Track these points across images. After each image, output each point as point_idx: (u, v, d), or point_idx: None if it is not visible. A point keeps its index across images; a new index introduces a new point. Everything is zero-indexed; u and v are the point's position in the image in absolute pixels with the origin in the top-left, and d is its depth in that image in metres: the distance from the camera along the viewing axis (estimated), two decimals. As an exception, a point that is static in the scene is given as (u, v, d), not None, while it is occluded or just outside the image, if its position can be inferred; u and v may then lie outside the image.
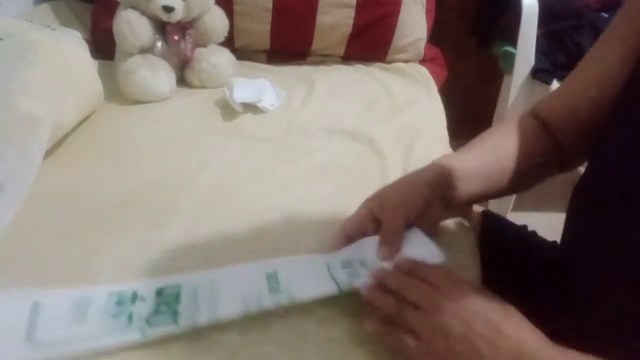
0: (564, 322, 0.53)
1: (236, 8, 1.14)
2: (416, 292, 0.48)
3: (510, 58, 1.35)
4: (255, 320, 0.53)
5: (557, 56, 1.32)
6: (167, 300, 0.55)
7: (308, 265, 0.58)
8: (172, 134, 0.89)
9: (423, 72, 1.22)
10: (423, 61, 1.28)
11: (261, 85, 1.00)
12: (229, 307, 0.53)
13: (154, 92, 0.98)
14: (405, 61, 1.26)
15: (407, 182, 0.60)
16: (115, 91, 0.97)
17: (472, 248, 0.66)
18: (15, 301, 0.53)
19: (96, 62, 0.94)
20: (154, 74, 0.96)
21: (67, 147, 0.82)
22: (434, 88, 1.15)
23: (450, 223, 0.69)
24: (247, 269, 0.59)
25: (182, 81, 1.06)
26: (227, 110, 0.96)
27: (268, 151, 0.85)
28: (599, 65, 0.59)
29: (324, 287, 0.54)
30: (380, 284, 0.51)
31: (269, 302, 0.53)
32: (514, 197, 1.48)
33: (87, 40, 0.94)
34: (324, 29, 1.18)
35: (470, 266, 0.63)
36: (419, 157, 0.85)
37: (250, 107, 0.97)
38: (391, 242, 0.56)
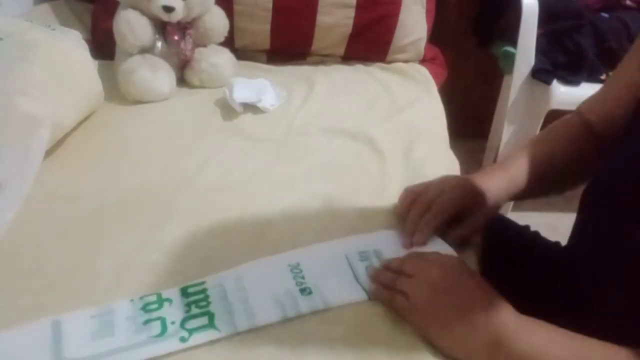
0: (565, 322, 0.53)
1: (236, 8, 1.14)
2: (411, 265, 0.54)
3: (510, 58, 1.35)
4: (256, 320, 0.53)
5: (557, 56, 1.32)
6: (196, 301, 0.54)
7: (328, 257, 0.60)
8: (172, 134, 0.89)
9: (423, 72, 1.22)
10: (423, 61, 1.28)
11: (261, 85, 1.00)
12: (267, 313, 0.53)
13: (154, 92, 0.97)
14: (405, 61, 1.26)
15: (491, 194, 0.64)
16: (115, 91, 0.97)
17: (471, 248, 0.66)
18: (33, 326, 0.51)
19: (96, 62, 0.94)
20: (154, 74, 0.96)
21: (67, 147, 0.82)
22: (434, 88, 1.15)
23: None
24: (269, 262, 0.59)
25: (182, 81, 1.06)
26: (227, 110, 0.96)
27: (268, 151, 0.85)
28: (627, 72, 0.61)
29: (356, 295, 0.56)
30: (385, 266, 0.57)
31: (305, 308, 0.54)
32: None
33: (87, 40, 0.94)
34: (324, 29, 1.18)
35: (470, 265, 0.63)
36: (419, 157, 0.85)
37: (250, 107, 0.97)
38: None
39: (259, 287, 0.56)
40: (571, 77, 1.29)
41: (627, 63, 0.62)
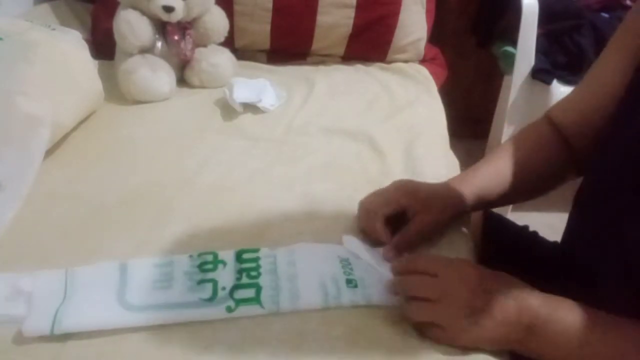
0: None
1: (236, 8, 1.14)
2: (424, 288, 0.52)
3: (510, 58, 1.35)
4: (256, 320, 0.53)
5: (557, 56, 1.32)
6: (247, 269, 0.56)
7: (370, 259, 0.60)
8: (172, 134, 0.89)
9: (423, 72, 1.22)
10: (423, 61, 1.28)
11: (261, 85, 1.00)
12: (310, 298, 0.54)
13: (154, 92, 0.97)
14: (405, 61, 1.26)
15: (442, 201, 0.64)
16: (115, 91, 0.97)
17: (470, 248, 0.66)
18: (105, 266, 0.56)
19: (96, 62, 0.94)
20: (154, 74, 0.96)
21: (67, 147, 0.82)
22: (434, 88, 1.15)
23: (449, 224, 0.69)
24: (322, 247, 0.61)
25: (182, 81, 1.06)
26: (227, 110, 0.96)
27: (268, 151, 0.85)
28: (604, 72, 0.60)
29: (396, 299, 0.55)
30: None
31: (347, 300, 0.54)
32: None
33: (87, 40, 0.94)
34: (324, 29, 1.18)
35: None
36: (419, 156, 0.85)
37: (250, 107, 0.97)
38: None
39: (308, 267, 0.58)
40: (571, 77, 1.29)
41: (603, 65, 0.61)
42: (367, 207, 0.64)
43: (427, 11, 1.27)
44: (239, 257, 0.58)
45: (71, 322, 0.50)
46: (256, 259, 0.58)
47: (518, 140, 0.69)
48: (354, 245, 0.62)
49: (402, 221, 0.62)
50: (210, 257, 0.58)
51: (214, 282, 0.55)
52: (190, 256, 0.58)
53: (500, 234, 0.78)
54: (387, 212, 0.62)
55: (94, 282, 0.55)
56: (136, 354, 0.50)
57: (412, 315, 0.52)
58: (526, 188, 0.67)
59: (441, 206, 0.63)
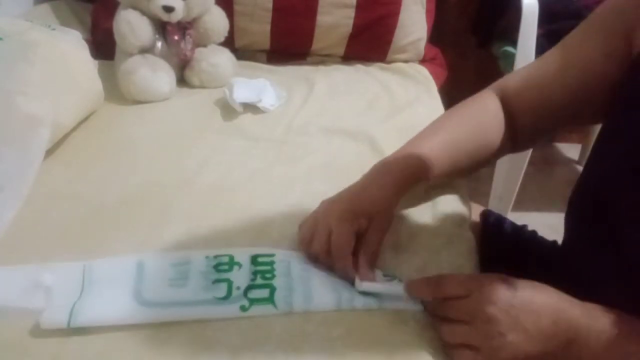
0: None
1: (236, 8, 1.14)
2: (455, 311, 0.50)
3: (510, 58, 1.35)
4: (256, 320, 0.53)
5: (557, 56, 1.32)
6: (262, 271, 0.57)
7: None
8: (172, 134, 0.89)
9: (423, 72, 1.22)
10: (423, 61, 1.28)
11: (261, 85, 1.00)
12: (323, 300, 0.54)
13: (154, 92, 0.98)
14: (405, 61, 1.26)
15: (377, 195, 0.61)
16: (115, 91, 0.97)
17: (470, 248, 0.66)
18: (122, 261, 0.58)
19: (96, 62, 0.94)
20: (154, 74, 0.96)
21: (67, 147, 0.82)
22: (434, 88, 1.15)
23: (448, 224, 0.69)
24: None
25: (182, 81, 1.06)
26: (227, 110, 0.96)
27: (268, 151, 0.85)
28: (581, 54, 0.58)
29: (412, 305, 0.56)
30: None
31: (360, 304, 0.55)
32: (514, 197, 1.48)
33: (87, 40, 0.94)
34: (324, 29, 1.18)
35: (468, 267, 0.63)
36: (419, 157, 0.85)
37: (250, 107, 0.97)
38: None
39: (322, 273, 0.58)
40: (571, 77, 1.29)
41: (575, 44, 0.60)
42: (340, 250, 0.57)
43: (427, 11, 1.27)
44: (254, 260, 0.59)
45: (88, 316, 0.51)
46: (271, 263, 0.59)
47: (463, 112, 0.69)
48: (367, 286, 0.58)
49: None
50: (226, 259, 0.58)
51: (229, 282, 0.56)
52: (207, 257, 0.58)
53: (499, 234, 0.79)
54: (352, 248, 0.58)
55: (111, 277, 0.55)
56: (136, 353, 0.50)
57: (446, 337, 0.51)
58: (469, 162, 0.67)
59: (385, 209, 0.60)
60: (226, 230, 0.66)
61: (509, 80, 0.68)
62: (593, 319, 0.46)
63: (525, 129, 0.66)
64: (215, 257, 0.59)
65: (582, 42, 0.59)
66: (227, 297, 0.54)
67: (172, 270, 0.57)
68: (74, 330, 0.51)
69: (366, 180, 0.64)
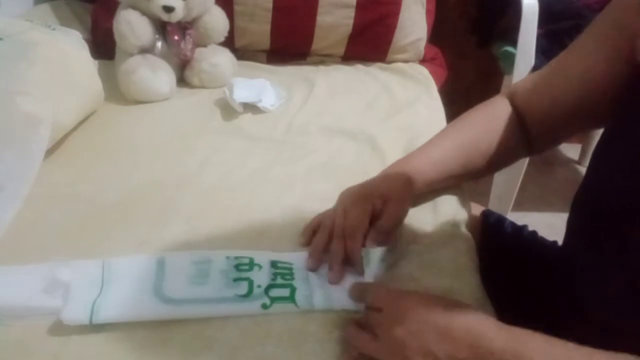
0: (563, 321, 0.53)
1: (236, 8, 1.14)
2: (369, 321, 0.49)
3: (510, 58, 1.35)
4: (256, 320, 0.53)
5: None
6: (282, 274, 0.57)
7: None
8: (172, 134, 0.89)
9: (423, 72, 1.22)
10: (423, 61, 1.28)
11: (261, 85, 1.00)
12: (343, 299, 0.56)
13: (154, 92, 0.98)
14: (405, 61, 1.26)
15: (398, 187, 0.63)
16: (115, 91, 0.97)
17: (470, 248, 0.66)
18: (142, 258, 0.58)
19: (96, 62, 0.94)
20: (154, 74, 0.96)
21: (67, 147, 0.82)
22: (434, 88, 1.15)
23: (448, 224, 0.69)
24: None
25: (182, 81, 1.06)
26: (227, 110, 0.96)
27: (268, 151, 0.85)
28: (583, 61, 0.59)
29: None
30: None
31: None
32: (514, 197, 1.48)
33: (87, 40, 0.94)
34: (324, 29, 1.18)
35: (468, 267, 0.63)
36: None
37: (250, 107, 0.97)
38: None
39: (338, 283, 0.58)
40: (571, 77, 1.29)
41: (579, 53, 0.60)
42: (349, 234, 0.59)
43: (427, 11, 1.27)
44: (273, 264, 0.59)
45: (109, 312, 0.51)
46: (290, 268, 0.59)
47: (475, 116, 0.70)
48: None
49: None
50: (246, 260, 0.59)
51: (250, 281, 0.56)
52: (227, 257, 0.58)
53: (499, 234, 0.79)
54: (365, 229, 0.60)
55: (131, 274, 0.56)
56: (136, 353, 0.50)
57: (351, 341, 0.50)
58: (480, 166, 0.67)
59: (399, 197, 0.62)
60: (226, 230, 0.66)
61: (519, 86, 0.69)
62: (521, 344, 0.42)
63: (538, 134, 0.66)
64: (236, 257, 0.59)
65: (585, 49, 0.60)
66: (248, 294, 0.54)
67: (193, 268, 0.57)
68: (74, 330, 0.51)
69: (378, 175, 0.67)
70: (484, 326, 0.44)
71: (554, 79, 0.63)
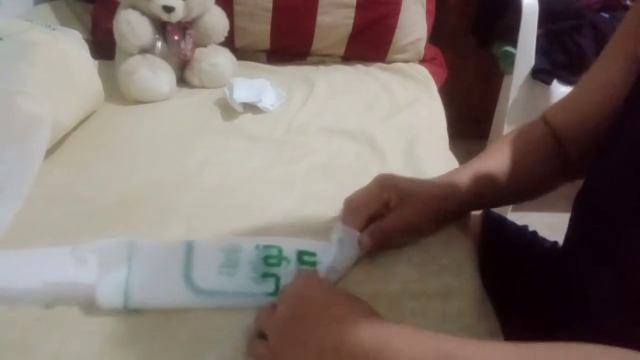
0: (562, 321, 0.53)
1: (236, 8, 1.14)
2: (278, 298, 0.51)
3: (510, 58, 1.35)
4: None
5: (557, 56, 1.32)
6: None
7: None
8: (172, 134, 0.89)
9: (423, 72, 1.22)
10: (423, 61, 1.28)
11: (261, 85, 1.00)
12: None
13: (154, 92, 0.98)
14: (405, 61, 1.26)
15: (421, 195, 0.62)
16: (115, 91, 0.97)
17: (470, 248, 0.66)
18: (169, 243, 0.58)
19: (96, 62, 0.94)
20: (154, 74, 0.96)
21: (67, 147, 0.82)
22: (434, 88, 1.15)
23: (448, 224, 0.69)
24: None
25: (182, 81, 1.06)
26: (227, 110, 0.96)
27: (268, 151, 0.85)
28: (604, 74, 0.59)
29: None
30: None
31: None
32: (514, 197, 1.48)
33: (87, 40, 0.94)
34: (324, 29, 1.18)
35: (469, 267, 0.63)
36: (419, 156, 0.85)
37: (250, 107, 0.97)
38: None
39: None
40: (571, 77, 1.29)
41: (603, 68, 0.60)
42: (351, 207, 0.62)
43: (427, 11, 1.27)
44: (300, 257, 0.59)
45: (142, 297, 0.53)
46: (314, 263, 0.58)
47: (511, 140, 0.68)
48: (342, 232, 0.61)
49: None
50: (275, 251, 0.58)
51: (277, 278, 0.56)
52: (257, 246, 0.58)
53: (500, 234, 0.78)
54: (371, 212, 0.61)
55: (159, 258, 0.56)
56: (136, 353, 0.50)
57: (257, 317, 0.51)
58: (516, 191, 0.66)
59: (421, 204, 0.61)
60: (225, 231, 0.66)
61: (552, 107, 0.67)
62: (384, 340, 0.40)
63: (574, 157, 0.64)
64: (265, 247, 0.58)
65: (605, 62, 0.60)
66: (274, 293, 0.55)
67: (222, 255, 0.56)
68: (74, 330, 0.51)
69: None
70: (344, 332, 0.42)
71: (582, 96, 0.63)
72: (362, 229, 0.59)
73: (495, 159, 0.66)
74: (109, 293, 0.52)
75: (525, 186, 0.66)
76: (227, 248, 0.57)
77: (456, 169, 0.68)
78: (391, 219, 0.60)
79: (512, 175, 0.64)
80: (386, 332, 0.42)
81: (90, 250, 0.54)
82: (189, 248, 0.56)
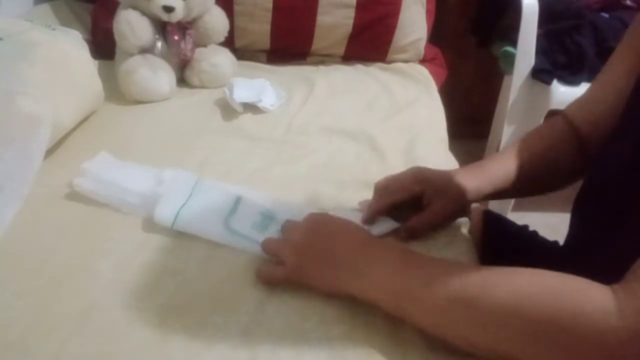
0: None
1: (236, 8, 1.14)
2: (285, 232, 0.60)
3: (510, 58, 1.35)
4: (256, 320, 0.53)
5: (557, 56, 1.32)
6: None
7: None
8: (172, 134, 0.89)
9: (423, 72, 1.22)
10: (423, 61, 1.28)
11: (261, 85, 1.00)
12: None
13: (154, 92, 0.98)
14: (405, 61, 1.26)
15: (452, 189, 0.65)
16: (115, 91, 0.97)
17: (470, 247, 0.66)
18: (227, 189, 0.70)
19: (96, 62, 0.94)
20: (154, 74, 0.96)
21: (67, 147, 0.82)
22: (434, 88, 1.15)
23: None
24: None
25: (182, 81, 1.06)
26: (227, 110, 0.96)
27: (268, 151, 0.85)
28: (615, 74, 0.60)
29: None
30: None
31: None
32: (514, 197, 1.48)
33: (87, 40, 0.94)
34: (324, 29, 1.18)
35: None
36: (419, 157, 0.85)
37: (250, 107, 0.97)
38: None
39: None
40: (571, 77, 1.29)
41: (612, 67, 0.62)
42: (381, 192, 0.67)
43: (427, 11, 1.27)
44: None
45: (187, 223, 0.63)
46: None
47: (534, 137, 0.70)
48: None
49: (418, 205, 0.65)
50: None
51: None
52: (287, 221, 0.62)
53: (500, 234, 0.78)
54: (398, 199, 0.65)
55: (212, 200, 0.67)
56: (136, 353, 0.50)
57: (264, 247, 0.58)
58: (538, 183, 0.68)
59: (455, 195, 0.65)
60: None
61: (572, 105, 0.69)
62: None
63: (595, 151, 0.64)
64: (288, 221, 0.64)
65: (614, 65, 0.62)
66: None
67: (259, 217, 0.66)
68: (74, 330, 0.51)
69: (457, 172, 0.69)
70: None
71: (596, 94, 0.64)
72: (383, 213, 0.65)
73: (519, 153, 0.68)
74: (165, 212, 0.63)
75: (547, 180, 0.68)
76: (265, 213, 0.66)
77: (480, 163, 0.70)
78: (427, 215, 0.64)
79: (536, 168, 0.66)
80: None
81: (168, 175, 0.69)
82: (237, 202, 0.67)
